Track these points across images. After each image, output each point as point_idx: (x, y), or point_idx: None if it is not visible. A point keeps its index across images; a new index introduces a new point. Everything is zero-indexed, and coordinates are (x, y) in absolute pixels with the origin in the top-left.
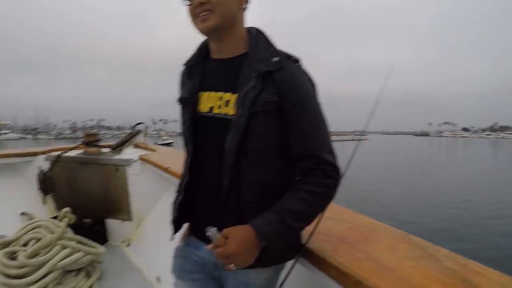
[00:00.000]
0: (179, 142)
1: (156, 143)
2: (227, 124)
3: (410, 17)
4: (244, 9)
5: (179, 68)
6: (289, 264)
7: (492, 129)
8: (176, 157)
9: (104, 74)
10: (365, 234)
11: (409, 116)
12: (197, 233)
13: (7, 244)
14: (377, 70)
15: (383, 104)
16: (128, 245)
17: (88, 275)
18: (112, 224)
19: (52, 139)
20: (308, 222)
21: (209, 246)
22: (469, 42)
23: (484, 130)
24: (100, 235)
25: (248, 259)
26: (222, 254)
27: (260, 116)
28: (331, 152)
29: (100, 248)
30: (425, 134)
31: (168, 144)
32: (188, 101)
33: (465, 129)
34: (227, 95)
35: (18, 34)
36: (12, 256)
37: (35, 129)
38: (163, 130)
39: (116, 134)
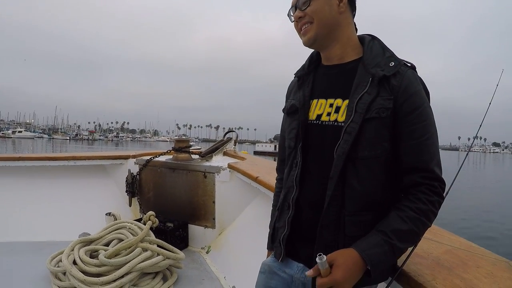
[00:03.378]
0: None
1: None
2: (336, 130)
3: (445, 27)
4: (350, 13)
5: (205, 74)
6: (381, 286)
7: None
8: (265, 167)
9: (134, 78)
10: (464, 258)
11: (438, 130)
12: (289, 250)
13: (89, 242)
14: None
15: None
16: (208, 252)
17: (165, 279)
18: (194, 230)
19: (68, 139)
20: (413, 242)
21: (310, 273)
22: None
23: None
24: (181, 240)
25: (351, 285)
26: (327, 283)
27: (373, 123)
28: (439, 165)
29: (180, 254)
30: (454, 149)
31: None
32: (298, 110)
33: (496, 144)
34: (338, 101)
35: (48, 32)
36: (93, 254)
37: (56, 129)
38: (186, 135)
39: (137, 137)
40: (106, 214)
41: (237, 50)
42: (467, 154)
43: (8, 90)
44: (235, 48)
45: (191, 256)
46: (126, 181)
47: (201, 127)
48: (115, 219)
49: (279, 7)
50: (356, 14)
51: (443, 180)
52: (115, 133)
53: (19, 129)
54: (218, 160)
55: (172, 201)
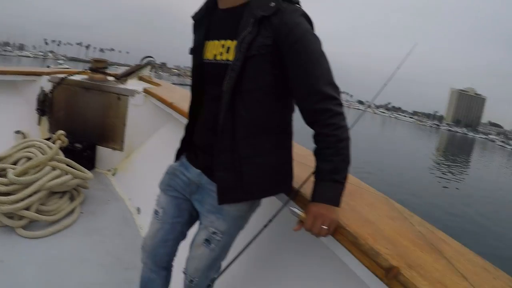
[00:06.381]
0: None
1: (48, 66)
2: (226, 68)
3: None
4: None
5: None
6: (279, 205)
7: (387, 107)
8: (180, 94)
9: None
10: (352, 190)
11: None
12: (191, 159)
13: None
14: None
15: None
16: (114, 174)
17: (72, 198)
18: (102, 151)
19: None
20: (348, 160)
21: (297, 228)
22: (388, 25)
23: (378, 107)
24: (88, 161)
25: (335, 215)
26: (317, 228)
27: (254, 60)
28: (330, 84)
29: (88, 174)
30: None
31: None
32: (195, 51)
33: (360, 102)
34: (228, 42)
35: None
36: (1, 173)
37: None
38: (53, 52)
39: None
40: (15, 132)
41: None
42: (361, 115)
43: None
44: None
45: (97, 178)
46: (38, 98)
47: (72, 44)
48: (24, 137)
49: None
50: None
51: (335, 96)
52: None
53: None
54: (133, 84)
55: (83, 122)
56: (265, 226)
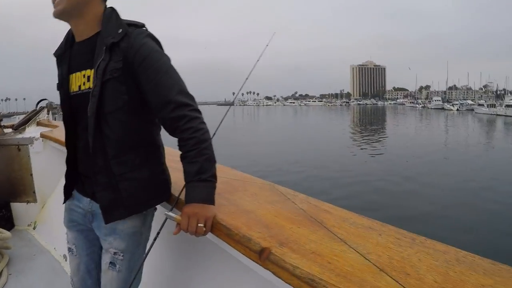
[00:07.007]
0: None
1: None
2: (88, 96)
3: None
4: None
5: None
6: (163, 213)
7: (295, 97)
8: None
9: None
10: (236, 186)
11: (215, 87)
12: (80, 189)
13: None
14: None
15: (192, 76)
16: (35, 227)
17: None
18: (17, 207)
19: None
20: (212, 158)
21: (175, 231)
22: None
23: (286, 99)
24: (6, 221)
25: (209, 212)
26: (192, 227)
27: (109, 83)
28: (182, 93)
29: (6, 233)
30: (229, 104)
31: None
32: (61, 85)
33: (268, 98)
34: (88, 72)
35: None
36: None
37: None
38: None
39: None
40: None
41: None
42: (229, 108)
43: None
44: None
45: (18, 235)
46: None
47: None
48: None
49: None
50: None
51: (188, 103)
52: None
53: None
54: (31, 131)
55: None
56: (155, 239)
